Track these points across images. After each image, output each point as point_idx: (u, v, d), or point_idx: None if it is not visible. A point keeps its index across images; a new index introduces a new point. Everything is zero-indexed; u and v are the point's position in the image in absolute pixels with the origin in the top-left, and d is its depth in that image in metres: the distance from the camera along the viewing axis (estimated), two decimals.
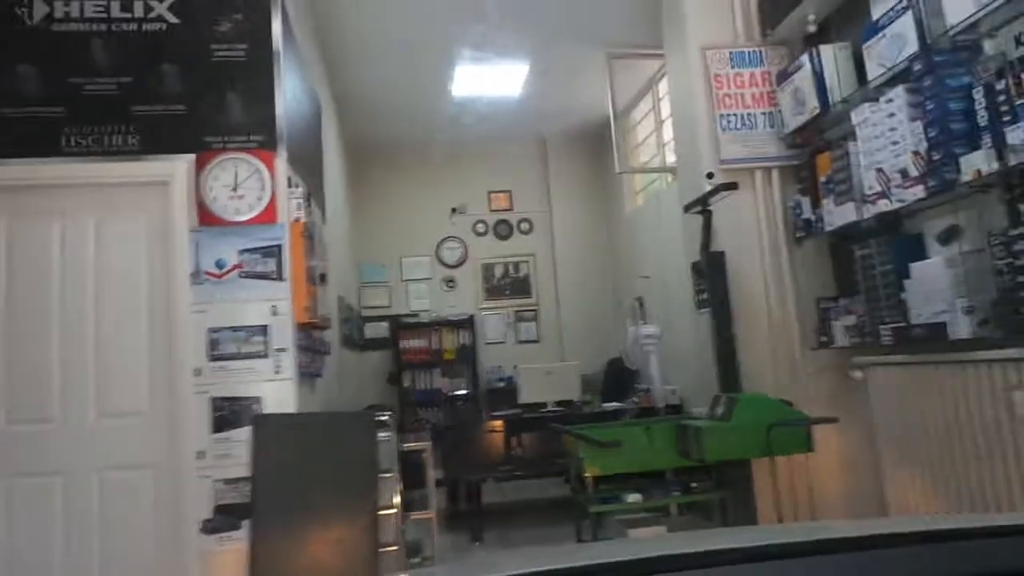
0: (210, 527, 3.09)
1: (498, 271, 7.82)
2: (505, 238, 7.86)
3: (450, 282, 7.73)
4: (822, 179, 3.47)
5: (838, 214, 3.32)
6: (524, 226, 7.89)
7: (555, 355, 7.51)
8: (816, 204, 3.56)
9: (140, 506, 3.08)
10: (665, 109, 6.13)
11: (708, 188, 3.72)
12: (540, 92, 6.45)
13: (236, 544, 3.02)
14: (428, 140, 7.46)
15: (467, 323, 7.38)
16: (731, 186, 3.54)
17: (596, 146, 7.84)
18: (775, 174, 3.88)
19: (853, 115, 3.17)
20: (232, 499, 3.11)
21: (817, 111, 3.44)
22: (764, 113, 3.88)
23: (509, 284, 7.82)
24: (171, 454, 3.09)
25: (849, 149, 3.24)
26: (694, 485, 3.86)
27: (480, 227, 7.82)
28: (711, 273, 3.68)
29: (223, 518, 3.10)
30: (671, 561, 0.92)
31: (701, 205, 3.71)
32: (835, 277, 3.77)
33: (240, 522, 3.03)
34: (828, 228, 3.43)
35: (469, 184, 7.79)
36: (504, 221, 7.87)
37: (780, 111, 3.79)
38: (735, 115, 3.87)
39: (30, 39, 3.16)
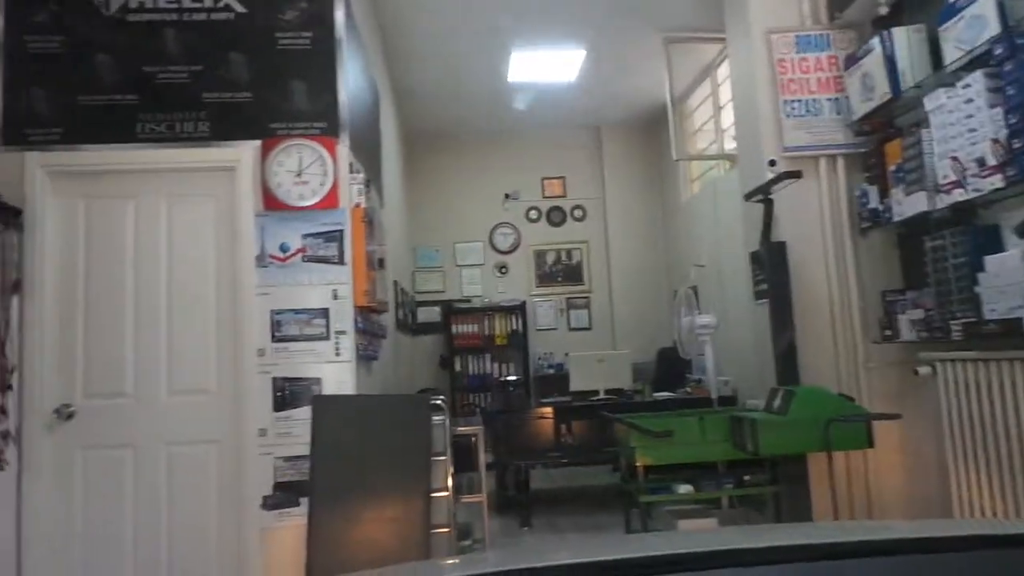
0: (270, 503, 3.20)
1: (550, 258, 7.82)
2: (558, 225, 7.84)
3: (502, 268, 7.76)
4: (891, 167, 3.35)
5: (908, 204, 3.21)
6: (577, 213, 7.85)
7: (606, 343, 7.48)
8: (884, 193, 3.44)
9: (205, 480, 3.21)
10: (724, 95, 6.00)
11: (770, 176, 3.64)
12: (596, 78, 6.38)
13: (295, 520, 3.11)
14: (483, 126, 7.49)
15: (518, 309, 7.40)
16: (795, 174, 3.45)
17: (651, 133, 7.73)
18: (840, 162, 3.76)
19: (927, 101, 3.05)
20: (291, 476, 3.20)
21: (888, 97, 3.32)
22: (830, 99, 3.76)
23: (561, 271, 7.81)
24: (235, 431, 3.21)
25: (922, 136, 3.12)
26: (747, 478, 3.81)
27: (533, 213, 7.82)
28: (771, 263, 3.60)
29: (283, 494, 3.20)
30: (723, 557, 0.90)
31: (762, 194, 3.63)
32: (902, 269, 3.65)
33: (299, 499, 3.13)
34: (896, 218, 3.31)
35: (522, 170, 7.78)
36: (557, 208, 7.85)
37: (847, 97, 3.67)
38: (799, 101, 3.76)
39: (107, 29, 3.29)
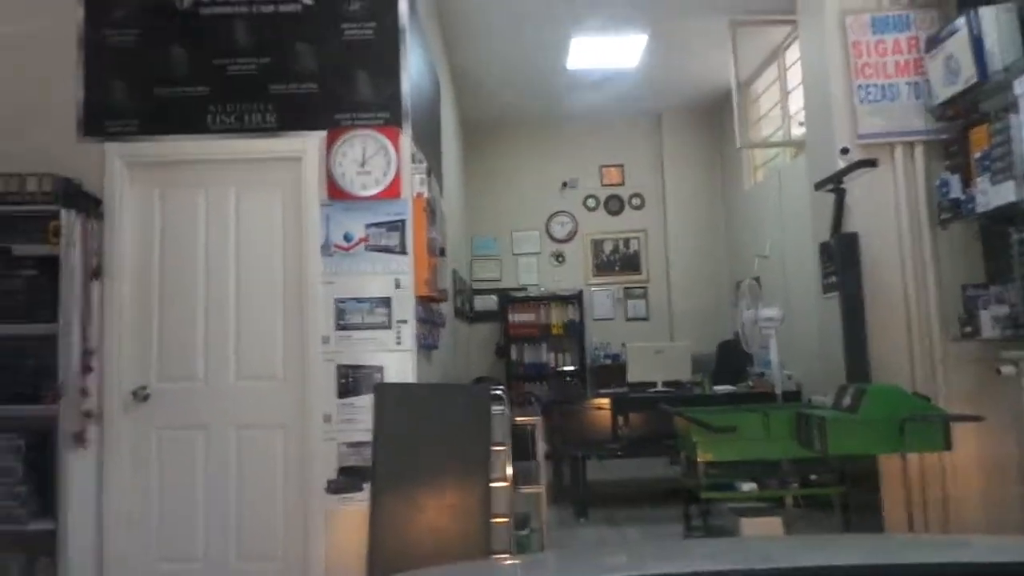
0: (334, 487, 3.26)
1: (608, 247, 7.73)
2: (616, 213, 7.74)
3: (559, 257, 7.72)
4: (976, 155, 3.18)
5: (994, 193, 3.04)
6: (636, 201, 7.74)
7: (664, 334, 7.38)
8: (967, 183, 3.27)
9: (272, 462, 3.30)
10: (792, 79, 5.80)
11: (842, 165, 3.50)
12: (658, 63, 6.25)
13: (357, 504, 3.17)
14: (541, 114, 7.44)
15: (575, 298, 7.36)
16: (870, 163, 3.31)
17: (713, 120, 7.55)
18: (919, 150, 3.59)
19: (1016, 84, 2.88)
20: (354, 462, 3.27)
21: (973, 80, 3.14)
22: (909, 83, 3.58)
23: (619, 260, 7.72)
24: (300, 416, 3.28)
25: (1011, 122, 2.95)
26: (813, 478, 3.71)
27: (591, 202, 7.75)
28: (842, 256, 3.47)
29: (347, 479, 3.27)
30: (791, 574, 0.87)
31: (834, 183, 3.49)
32: (985, 263, 3.47)
33: (362, 484, 3.18)
34: (980, 209, 3.15)
35: (580, 158, 7.71)
36: (615, 196, 7.75)
37: (928, 80, 3.49)
38: (875, 85, 3.59)
39: (180, 23, 3.38)
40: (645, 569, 0.92)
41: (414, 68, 3.55)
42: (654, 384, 5.29)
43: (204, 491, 3.29)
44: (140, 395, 3.29)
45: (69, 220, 3.07)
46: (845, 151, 3.54)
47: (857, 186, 3.52)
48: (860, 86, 3.60)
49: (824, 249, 3.90)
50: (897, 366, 3.53)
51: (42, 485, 3.04)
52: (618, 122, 7.66)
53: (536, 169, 7.68)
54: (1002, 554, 1.04)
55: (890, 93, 3.59)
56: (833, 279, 3.73)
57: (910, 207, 3.58)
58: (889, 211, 3.60)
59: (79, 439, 3.04)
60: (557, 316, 7.32)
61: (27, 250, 3.07)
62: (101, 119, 3.36)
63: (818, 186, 3.69)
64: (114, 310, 3.29)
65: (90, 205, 3.23)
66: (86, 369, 3.12)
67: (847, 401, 3.26)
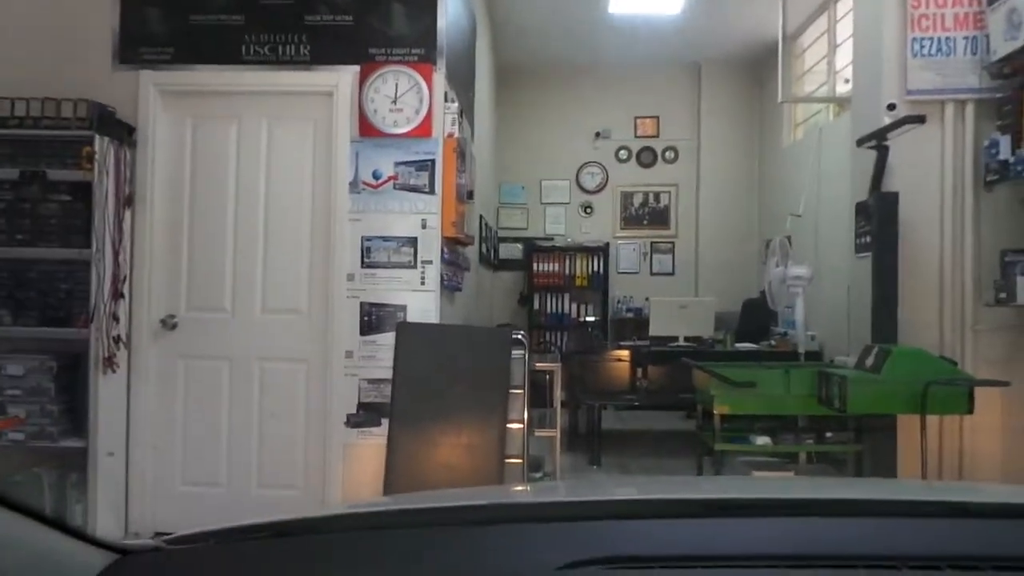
0: (354, 421, 3.34)
1: (637, 199, 7.63)
2: (648, 166, 7.61)
3: (587, 208, 7.64)
4: None
5: None
6: (669, 155, 7.59)
7: (688, 290, 7.32)
8: (1018, 143, 3.14)
9: (293, 395, 3.37)
10: (841, 33, 5.58)
11: (888, 121, 3.38)
12: (701, 11, 6.04)
13: (375, 439, 3.24)
14: (577, 62, 7.26)
15: (601, 251, 7.31)
16: (918, 119, 3.19)
17: (754, 73, 7.32)
18: (970, 108, 3.45)
19: None
20: (374, 398, 3.33)
21: None
22: (967, 37, 3.42)
23: (648, 214, 7.62)
24: (323, 351, 3.34)
25: None
26: (829, 435, 3.71)
27: (623, 153, 7.61)
28: (880, 215, 3.38)
29: (366, 414, 3.33)
30: (792, 505, 0.88)
31: (877, 139, 3.38)
32: None
33: (380, 419, 3.25)
34: None
35: (615, 108, 7.55)
36: (648, 148, 7.61)
37: (987, 35, 3.32)
38: (931, 39, 3.43)
39: None
40: (652, 494, 0.95)
41: (450, 5, 3.47)
42: (676, 339, 5.28)
43: (227, 419, 3.38)
44: (168, 323, 3.36)
45: (103, 147, 3.10)
46: (892, 107, 3.41)
47: (901, 144, 3.40)
48: (915, 39, 3.44)
49: (861, 208, 3.80)
50: (925, 329, 3.47)
51: (73, 405, 3.15)
52: (656, 72, 7.46)
53: (569, 118, 7.55)
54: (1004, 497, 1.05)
55: (946, 47, 3.43)
56: (867, 239, 3.65)
57: (955, 168, 3.46)
58: (933, 171, 3.48)
59: (108, 363, 3.13)
60: (582, 267, 7.29)
61: (61, 175, 3.11)
62: (136, 47, 3.35)
63: (860, 142, 3.57)
64: (145, 238, 3.33)
65: (124, 132, 3.25)
66: (117, 295, 3.19)
67: (871, 361, 3.23)
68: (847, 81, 5.39)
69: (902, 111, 3.42)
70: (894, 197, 3.42)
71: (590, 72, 7.38)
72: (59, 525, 0.73)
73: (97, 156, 3.06)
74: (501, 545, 0.77)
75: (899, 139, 3.40)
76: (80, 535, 0.74)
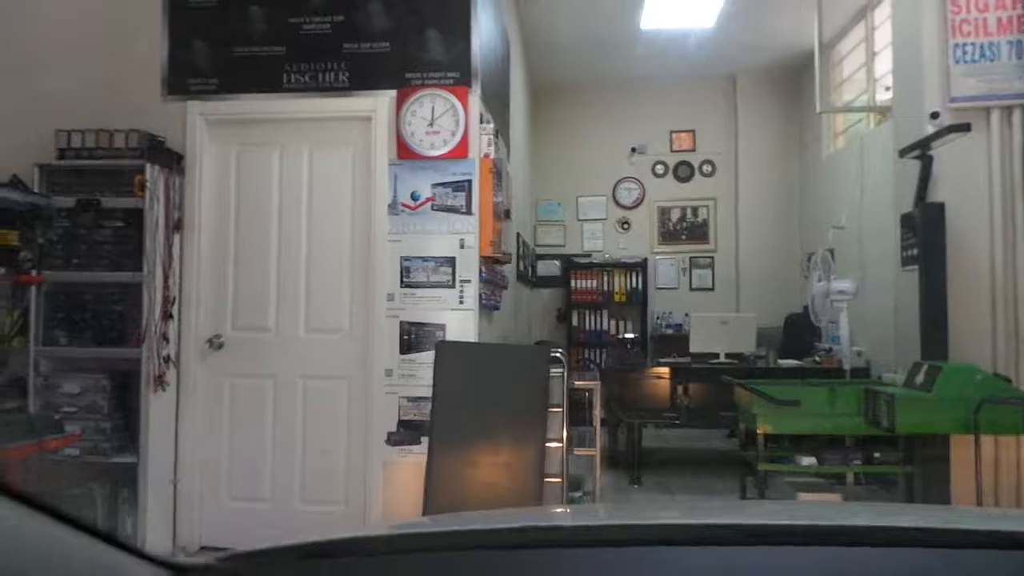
0: (394, 439, 3.37)
1: (675, 214, 7.58)
2: (685, 180, 7.56)
3: (625, 224, 7.62)
4: None
5: None
6: (706, 168, 7.54)
7: (729, 305, 7.23)
8: None
9: (336, 412, 3.43)
10: (879, 40, 5.49)
11: (931, 130, 3.31)
12: (735, 22, 6.01)
13: (415, 457, 3.26)
14: (611, 77, 7.28)
15: (639, 266, 7.27)
16: (963, 127, 3.12)
17: (791, 84, 7.24)
18: (1017, 114, 3.36)
19: None
20: (413, 416, 3.35)
21: None
22: (1011, 42, 3.34)
23: (686, 229, 7.57)
24: (364, 369, 3.39)
25: None
26: (877, 455, 3.61)
27: (659, 168, 7.58)
28: (926, 227, 3.31)
29: (406, 432, 3.36)
30: (845, 533, 0.86)
31: (921, 149, 3.31)
32: None
33: (420, 437, 3.27)
34: None
35: (650, 123, 7.53)
36: (685, 162, 7.56)
37: None
38: (973, 44, 3.36)
39: None
40: (693, 519, 0.95)
41: (484, 27, 3.52)
42: (716, 355, 5.21)
43: (272, 435, 3.45)
44: (215, 343, 3.45)
45: (153, 174, 3.22)
46: (935, 115, 3.34)
47: (946, 153, 3.33)
48: (956, 45, 3.38)
49: (906, 220, 3.72)
50: (977, 345, 3.37)
51: (125, 422, 3.25)
52: (691, 86, 7.43)
53: (604, 133, 7.55)
54: None
55: (989, 53, 3.36)
56: (914, 251, 3.56)
57: (1004, 176, 3.37)
58: (980, 181, 3.40)
59: (159, 382, 3.23)
60: (620, 283, 7.26)
61: (115, 203, 3.24)
62: (184, 78, 3.48)
63: (903, 153, 3.51)
64: (193, 261, 3.44)
65: (173, 160, 3.37)
66: (167, 316, 3.29)
67: (920, 379, 3.15)
68: (887, 89, 5.30)
69: (946, 119, 3.35)
70: (940, 208, 3.34)
71: (624, 87, 7.40)
72: (114, 540, 0.73)
73: (148, 183, 3.18)
74: (541, 571, 0.77)
75: (943, 148, 3.33)
76: (134, 551, 0.75)
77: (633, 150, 7.57)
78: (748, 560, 0.78)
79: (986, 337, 3.40)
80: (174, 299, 3.35)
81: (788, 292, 6.97)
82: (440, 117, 3.30)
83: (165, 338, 3.28)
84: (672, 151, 7.57)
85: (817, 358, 5.17)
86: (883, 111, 5.27)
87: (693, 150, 7.55)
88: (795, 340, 5.82)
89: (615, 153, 7.57)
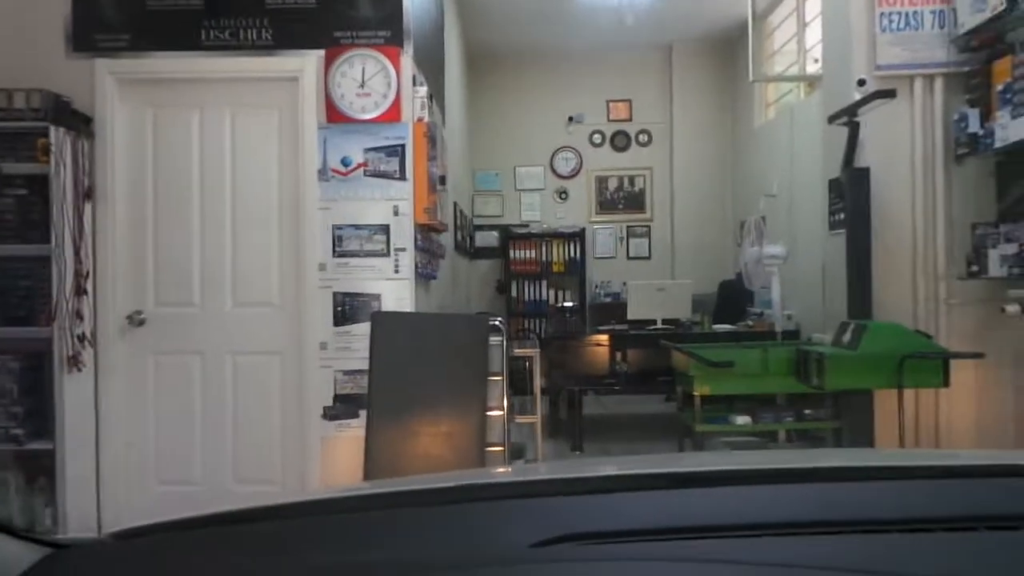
0: (331, 414, 3.28)
1: (612, 184, 7.61)
2: (622, 150, 7.59)
3: (562, 193, 7.61)
4: (998, 88, 3.07)
5: (1014, 128, 2.94)
6: (642, 138, 7.57)
7: (665, 273, 7.33)
8: (986, 117, 3.16)
9: (268, 389, 3.31)
10: (810, 11, 5.58)
11: (858, 97, 3.38)
12: None
13: (353, 431, 3.19)
14: (548, 45, 7.20)
15: (577, 236, 7.28)
16: (889, 94, 3.20)
17: (726, 54, 7.32)
18: (938, 82, 3.46)
19: None
20: (350, 389, 3.27)
21: (1002, 7, 3.00)
22: (934, 11, 3.43)
23: (623, 198, 7.61)
24: (296, 343, 3.27)
25: None
26: (807, 412, 3.74)
27: (596, 137, 7.58)
28: (852, 191, 3.39)
29: (343, 406, 3.28)
30: (768, 475, 0.88)
31: (848, 116, 3.38)
32: (998, 201, 3.39)
33: (358, 411, 3.19)
34: (999, 144, 3.05)
35: (587, 92, 7.50)
36: (622, 132, 7.58)
37: (955, 8, 3.34)
38: (899, 13, 3.44)
39: None
40: (630, 470, 0.95)
41: None
42: (654, 322, 5.28)
43: (200, 415, 3.30)
44: (136, 319, 3.27)
45: (58, 138, 2.99)
46: (862, 83, 3.41)
47: (872, 120, 3.41)
48: (883, 14, 3.45)
49: (833, 185, 3.81)
50: (900, 305, 3.50)
51: (39, 407, 3.05)
52: (627, 56, 7.42)
53: (542, 103, 7.49)
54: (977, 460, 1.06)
55: (914, 21, 3.44)
56: (840, 216, 3.66)
57: (925, 142, 3.48)
58: (903, 146, 3.50)
59: (74, 362, 3.03)
60: (558, 253, 7.26)
61: (16, 168, 2.99)
62: (91, 33, 3.23)
63: (832, 119, 3.58)
64: (108, 233, 3.23)
65: (80, 123, 3.14)
66: (80, 292, 3.09)
67: (847, 338, 3.25)
68: (816, 61, 5.40)
69: (872, 87, 3.43)
70: (866, 173, 3.43)
71: (561, 56, 7.33)
72: None
73: (53, 148, 2.95)
74: (473, 524, 0.75)
75: (869, 115, 3.40)
76: (14, 532, 0.72)
77: (570, 119, 7.53)
78: (679, 503, 0.77)
79: (908, 297, 3.53)
80: (88, 273, 3.14)
81: (722, 259, 7.11)
82: (371, 79, 3.17)
83: (79, 315, 3.08)
84: (609, 120, 7.57)
85: (750, 322, 5.30)
86: (813, 81, 5.38)
87: (630, 120, 7.57)
88: (729, 305, 5.94)
89: (553, 122, 7.53)
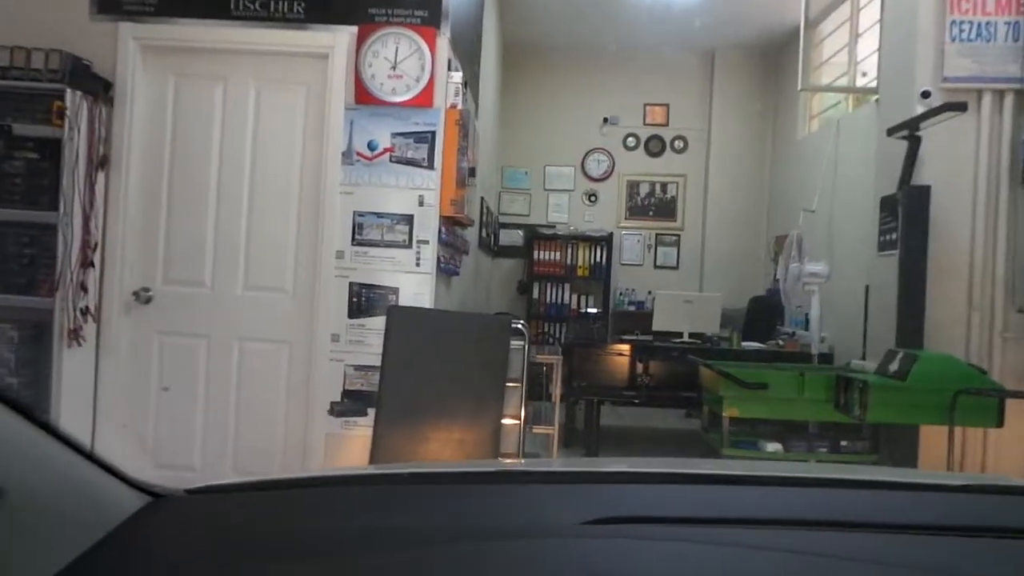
0: (338, 410, 3.12)
1: (643, 189, 7.39)
2: (656, 155, 7.36)
3: (592, 196, 7.40)
4: None
5: None
6: (678, 144, 7.34)
7: (693, 285, 7.10)
8: None
9: (274, 379, 3.16)
10: (865, 20, 5.33)
11: (920, 109, 3.15)
12: None
13: (361, 430, 3.03)
14: (587, 42, 7.00)
15: (604, 241, 7.08)
16: (959, 107, 2.97)
17: (770, 62, 7.07)
18: (1009, 99, 3.23)
19: None
20: (360, 386, 3.11)
21: None
22: (1008, 23, 3.19)
23: (654, 204, 7.38)
24: (307, 333, 3.12)
25: None
26: (844, 444, 3.52)
27: (631, 141, 7.36)
28: (910, 211, 3.17)
29: (351, 403, 3.12)
30: (797, 481, 0.93)
31: (910, 129, 3.15)
32: None
33: (367, 409, 3.03)
34: None
35: (624, 94, 7.28)
36: (657, 136, 7.35)
37: None
38: (970, 23, 3.21)
39: None
40: (649, 468, 1.00)
41: None
42: (680, 335, 5.07)
43: (204, 400, 3.16)
44: (142, 297, 3.13)
45: (75, 101, 2.85)
46: (926, 95, 3.19)
47: (934, 135, 3.18)
48: (954, 22, 3.22)
49: (886, 203, 3.58)
50: (951, 335, 3.27)
51: (36, 379, 2.92)
52: (669, 58, 7.19)
53: (576, 102, 7.28)
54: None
55: (986, 32, 3.20)
56: (892, 236, 3.43)
57: (990, 162, 3.25)
58: (967, 165, 3.27)
59: (74, 336, 2.89)
60: (584, 257, 7.06)
61: (28, 130, 2.86)
62: None
63: (891, 131, 3.35)
64: (119, 204, 3.09)
65: (99, 88, 3.00)
66: (86, 264, 2.95)
67: (895, 367, 3.02)
68: (864, 74, 5.16)
69: (936, 100, 3.20)
70: (926, 191, 3.20)
71: (600, 55, 7.12)
72: (94, 458, 0.72)
73: (68, 111, 2.81)
74: (532, 501, 0.82)
75: (932, 130, 3.17)
76: (114, 471, 0.74)
77: (605, 121, 7.32)
78: (717, 496, 0.84)
79: (960, 327, 3.30)
80: (96, 245, 3.00)
81: (753, 274, 6.88)
82: (405, 60, 3.00)
83: (83, 288, 2.94)
84: (645, 124, 7.35)
85: (780, 341, 5.08)
86: (869, 92, 5.13)
87: (666, 125, 7.34)
88: (759, 323, 5.72)
89: (586, 123, 7.32)
